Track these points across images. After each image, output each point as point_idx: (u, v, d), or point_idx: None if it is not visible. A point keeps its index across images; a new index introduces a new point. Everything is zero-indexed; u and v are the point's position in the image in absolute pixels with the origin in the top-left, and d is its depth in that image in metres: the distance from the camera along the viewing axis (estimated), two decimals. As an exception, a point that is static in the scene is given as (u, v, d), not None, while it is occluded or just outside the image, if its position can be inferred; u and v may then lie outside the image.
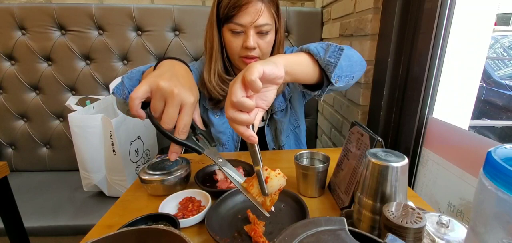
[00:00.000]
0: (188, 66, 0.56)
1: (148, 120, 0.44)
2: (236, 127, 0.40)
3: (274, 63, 0.43)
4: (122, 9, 1.28)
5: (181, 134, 0.43)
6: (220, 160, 0.47)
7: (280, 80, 0.44)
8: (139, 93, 0.42)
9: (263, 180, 0.44)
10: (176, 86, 0.42)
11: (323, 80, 0.62)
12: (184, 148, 0.45)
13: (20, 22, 1.27)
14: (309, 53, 0.59)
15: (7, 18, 1.26)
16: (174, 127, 0.43)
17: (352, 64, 0.65)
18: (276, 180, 0.44)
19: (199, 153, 0.45)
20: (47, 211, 1.09)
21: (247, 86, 0.38)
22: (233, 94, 0.39)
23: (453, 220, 0.42)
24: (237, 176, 0.47)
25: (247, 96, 0.40)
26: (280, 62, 0.45)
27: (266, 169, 0.46)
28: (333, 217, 0.32)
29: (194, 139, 0.46)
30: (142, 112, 0.44)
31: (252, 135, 0.41)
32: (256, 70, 0.38)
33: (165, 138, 0.43)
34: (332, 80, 0.60)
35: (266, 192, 0.44)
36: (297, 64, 0.55)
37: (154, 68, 0.55)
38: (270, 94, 0.45)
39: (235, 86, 0.39)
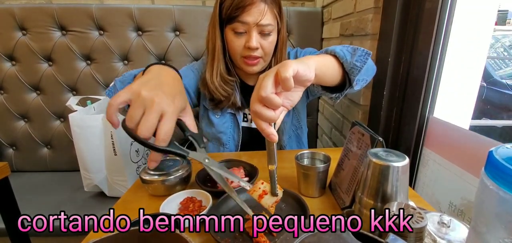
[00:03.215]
0: (178, 72, 0.55)
1: None
2: (259, 122, 0.40)
3: (307, 65, 0.42)
4: (123, 9, 1.28)
5: (162, 142, 0.41)
6: (207, 160, 0.46)
7: (309, 82, 0.44)
8: (118, 100, 0.41)
9: (275, 180, 0.44)
10: (158, 95, 0.42)
11: (341, 82, 0.63)
12: (165, 154, 0.44)
13: (20, 23, 1.28)
14: (334, 55, 0.59)
15: (8, 19, 1.26)
16: (154, 135, 0.42)
17: (369, 68, 0.67)
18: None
19: (184, 157, 0.44)
20: (48, 211, 1.09)
21: (279, 82, 0.38)
22: (262, 88, 0.38)
23: (454, 220, 0.42)
24: (226, 173, 0.46)
25: (276, 93, 0.39)
26: (312, 65, 0.44)
27: (262, 183, 0.47)
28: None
29: (177, 143, 0.44)
30: (116, 120, 0.42)
31: (272, 134, 0.40)
32: (291, 68, 0.37)
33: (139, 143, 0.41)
34: (353, 83, 0.61)
35: (276, 192, 0.45)
36: (325, 67, 0.55)
37: (143, 72, 0.54)
38: (296, 95, 0.45)
39: (266, 80, 0.38)
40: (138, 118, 0.41)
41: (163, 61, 1.37)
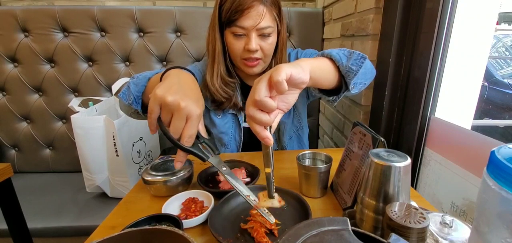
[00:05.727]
0: (194, 75, 0.56)
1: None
2: (254, 126, 0.41)
3: (301, 67, 0.43)
4: (124, 11, 1.29)
5: (186, 143, 0.45)
6: (224, 168, 0.47)
7: (304, 85, 0.44)
8: (153, 116, 0.44)
9: (272, 183, 0.45)
10: (183, 100, 0.44)
11: (339, 85, 0.63)
12: (188, 154, 0.47)
13: (23, 24, 1.28)
14: (330, 58, 0.60)
15: (10, 20, 1.27)
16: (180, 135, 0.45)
17: (367, 72, 0.67)
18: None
19: (204, 160, 0.46)
20: (50, 212, 1.10)
21: (272, 86, 0.38)
22: (256, 92, 0.39)
23: (457, 220, 0.42)
24: (241, 186, 0.47)
25: (270, 97, 0.40)
26: (306, 67, 0.45)
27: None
28: (336, 217, 0.32)
29: (199, 146, 0.47)
30: (157, 127, 0.47)
31: (268, 137, 0.41)
32: (284, 72, 0.38)
33: (167, 139, 0.45)
34: (350, 87, 0.61)
35: (273, 194, 0.45)
36: (320, 70, 0.56)
37: (161, 78, 0.55)
38: (291, 97, 0.45)
39: (260, 84, 0.39)
40: (168, 121, 0.45)
41: (165, 62, 1.38)
